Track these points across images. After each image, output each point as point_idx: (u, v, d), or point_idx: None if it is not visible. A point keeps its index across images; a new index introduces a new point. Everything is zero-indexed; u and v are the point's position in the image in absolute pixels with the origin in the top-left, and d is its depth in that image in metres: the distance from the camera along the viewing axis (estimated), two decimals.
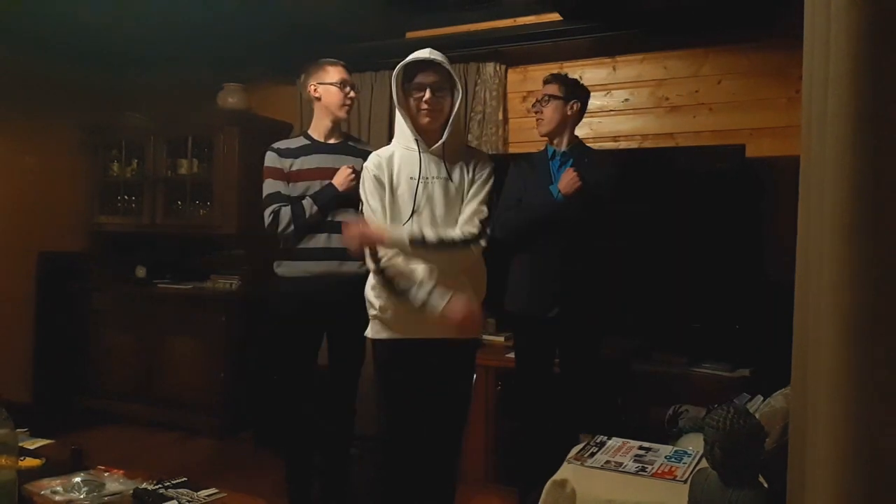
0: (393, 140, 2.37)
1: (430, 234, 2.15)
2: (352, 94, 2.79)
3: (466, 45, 3.79)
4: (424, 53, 2.21)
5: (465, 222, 2.21)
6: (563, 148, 2.73)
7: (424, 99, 2.20)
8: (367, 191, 2.27)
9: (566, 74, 2.81)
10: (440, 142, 2.24)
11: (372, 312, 2.30)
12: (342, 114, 2.80)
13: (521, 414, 2.86)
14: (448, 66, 2.22)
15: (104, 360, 4.46)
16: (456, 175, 2.26)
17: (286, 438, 2.82)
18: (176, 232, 4.54)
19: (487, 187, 2.27)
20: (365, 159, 2.66)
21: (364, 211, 2.28)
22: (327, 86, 2.75)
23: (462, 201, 2.26)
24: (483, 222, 2.21)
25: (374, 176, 2.25)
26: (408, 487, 2.35)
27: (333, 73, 2.76)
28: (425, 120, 2.23)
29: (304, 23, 3.79)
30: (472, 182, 2.27)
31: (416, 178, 2.24)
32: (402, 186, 2.25)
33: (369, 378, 2.65)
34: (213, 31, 3.96)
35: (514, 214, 2.65)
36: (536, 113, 2.77)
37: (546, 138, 2.77)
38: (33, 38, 4.20)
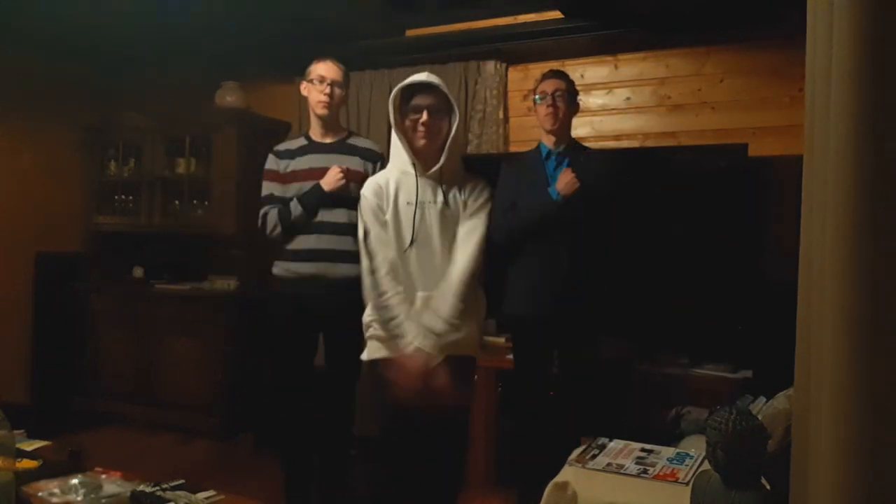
0: (389, 164, 2.38)
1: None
2: (327, 90, 2.64)
3: (466, 44, 3.77)
4: (422, 76, 2.23)
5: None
6: (560, 147, 2.66)
7: (421, 121, 2.21)
8: (366, 220, 2.28)
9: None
10: (437, 166, 2.25)
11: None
12: (320, 111, 2.67)
13: (521, 415, 2.82)
14: (445, 90, 2.23)
15: (102, 361, 4.45)
16: (451, 200, 2.28)
17: (284, 444, 2.78)
18: (174, 232, 4.53)
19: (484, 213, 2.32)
20: (364, 158, 2.63)
21: (367, 240, 2.28)
22: (307, 83, 2.69)
23: (457, 225, 2.28)
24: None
25: (377, 205, 2.27)
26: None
27: (313, 71, 2.68)
28: (421, 142, 2.24)
29: (302, 21, 3.77)
30: (465, 206, 2.29)
31: (414, 203, 2.24)
32: (401, 212, 2.26)
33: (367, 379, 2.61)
34: (211, 30, 3.95)
35: (512, 217, 2.54)
36: (549, 107, 2.62)
37: (549, 135, 2.67)
38: (31, 37, 4.19)
